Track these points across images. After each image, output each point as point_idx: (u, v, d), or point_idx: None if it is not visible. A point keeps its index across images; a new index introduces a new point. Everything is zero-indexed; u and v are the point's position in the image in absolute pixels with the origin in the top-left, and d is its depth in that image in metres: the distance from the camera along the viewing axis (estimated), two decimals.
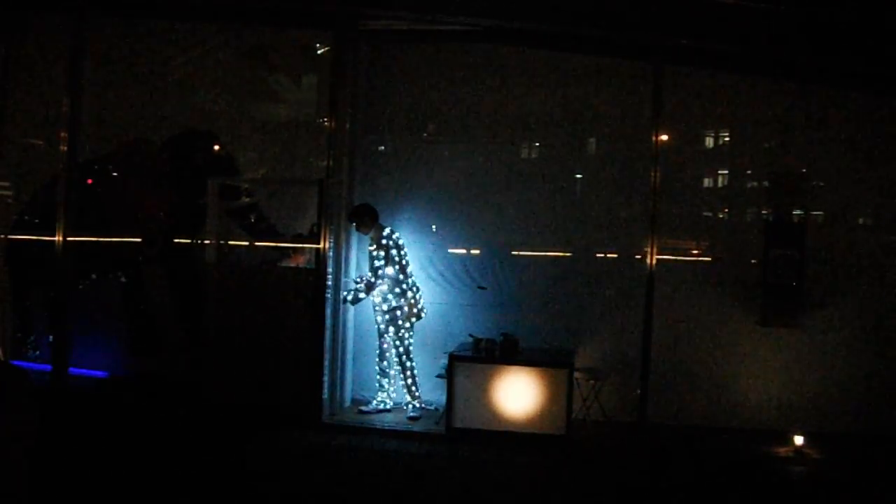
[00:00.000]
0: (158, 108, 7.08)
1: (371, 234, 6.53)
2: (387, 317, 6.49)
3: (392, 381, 6.67)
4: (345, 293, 6.51)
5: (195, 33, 7.10)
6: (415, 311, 6.54)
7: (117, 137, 7.16)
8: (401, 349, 6.53)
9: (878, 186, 6.71)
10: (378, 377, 6.66)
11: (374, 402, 6.66)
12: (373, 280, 6.41)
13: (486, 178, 7.01)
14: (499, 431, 6.11)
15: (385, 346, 6.56)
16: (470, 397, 6.18)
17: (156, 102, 7.08)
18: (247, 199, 6.98)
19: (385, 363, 6.59)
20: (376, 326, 6.60)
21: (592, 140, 7.10)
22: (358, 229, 6.58)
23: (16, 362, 6.96)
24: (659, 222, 6.48)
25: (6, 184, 7.38)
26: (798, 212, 6.91)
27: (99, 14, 6.90)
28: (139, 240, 7.08)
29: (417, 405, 6.62)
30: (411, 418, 6.52)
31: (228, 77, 7.11)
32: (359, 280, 6.59)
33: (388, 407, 6.64)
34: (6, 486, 3.04)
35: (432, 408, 6.71)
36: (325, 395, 6.46)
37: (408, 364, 6.57)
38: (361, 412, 6.60)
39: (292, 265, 6.85)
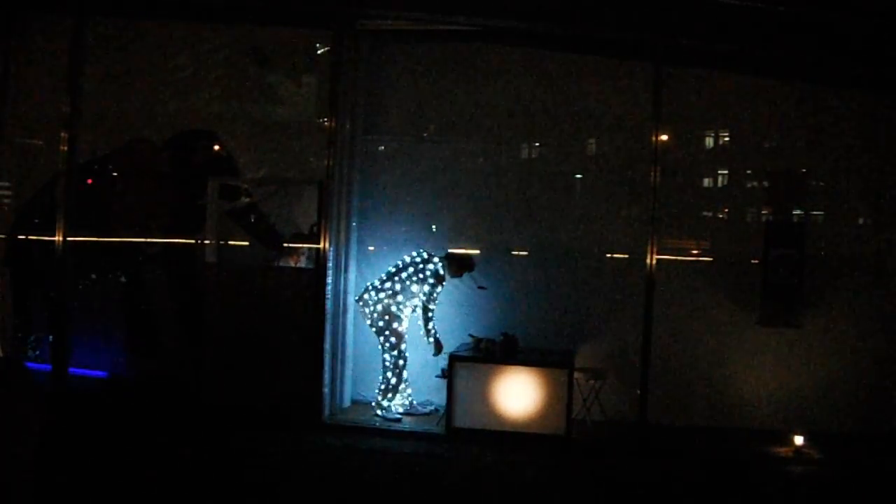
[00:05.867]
0: (158, 108, 7.08)
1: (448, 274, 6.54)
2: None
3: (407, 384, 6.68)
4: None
5: (195, 33, 7.09)
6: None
7: (117, 137, 7.15)
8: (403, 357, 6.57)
9: (878, 186, 6.71)
10: (394, 384, 6.53)
11: (393, 406, 6.57)
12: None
13: (486, 177, 7.01)
14: (499, 431, 6.11)
15: (397, 353, 6.46)
16: (470, 397, 6.18)
17: (156, 102, 7.07)
18: (247, 199, 6.98)
19: (399, 371, 6.52)
20: (391, 341, 6.44)
21: (592, 140, 7.10)
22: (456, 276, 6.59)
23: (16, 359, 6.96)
24: (659, 222, 6.48)
25: (6, 184, 7.38)
26: (798, 212, 6.91)
27: (99, 14, 6.90)
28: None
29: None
30: (408, 413, 6.59)
31: (228, 77, 7.11)
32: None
33: (404, 410, 6.65)
34: (12, 485, 3.05)
35: (432, 407, 6.71)
36: (326, 395, 6.45)
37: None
38: (385, 418, 6.46)
39: (292, 264, 6.85)
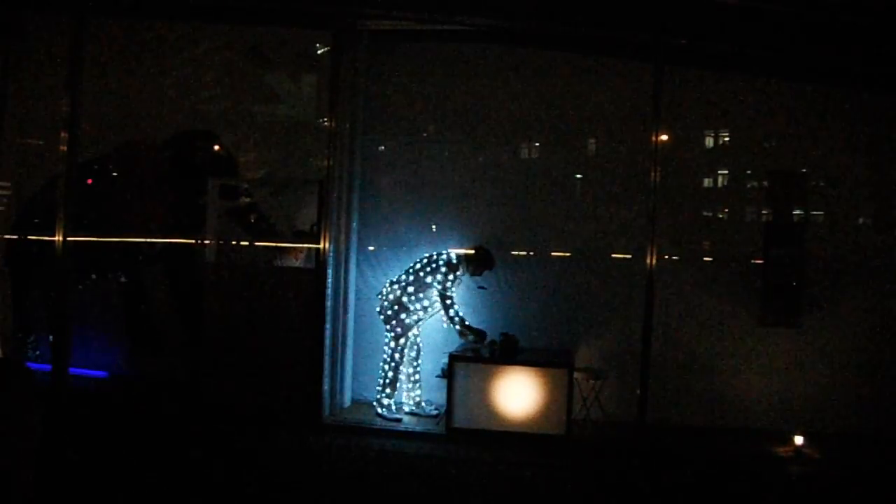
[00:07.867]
0: (158, 108, 7.08)
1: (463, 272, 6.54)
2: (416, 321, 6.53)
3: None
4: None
5: (195, 33, 7.09)
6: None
7: (117, 137, 7.15)
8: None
9: (878, 186, 6.71)
10: (391, 378, 6.56)
11: (395, 406, 6.58)
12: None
13: (486, 178, 7.01)
14: (499, 431, 6.11)
15: (395, 345, 6.50)
16: (470, 397, 6.18)
17: (156, 102, 7.08)
18: (247, 199, 6.97)
19: (396, 365, 6.55)
20: (396, 332, 6.46)
21: (592, 140, 7.10)
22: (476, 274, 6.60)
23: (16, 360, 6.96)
24: (659, 222, 6.48)
25: (6, 184, 7.38)
26: (798, 212, 6.92)
27: (99, 14, 6.90)
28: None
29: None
30: (414, 413, 6.63)
31: (228, 77, 7.11)
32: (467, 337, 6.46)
33: (409, 410, 6.70)
34: (12, 485, 3.05)
35: (432, 407, 6.71)
36: (326, 396, 6.46)
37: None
38: (384, 418, 6.48)
39: (297, 262, 6.83)
